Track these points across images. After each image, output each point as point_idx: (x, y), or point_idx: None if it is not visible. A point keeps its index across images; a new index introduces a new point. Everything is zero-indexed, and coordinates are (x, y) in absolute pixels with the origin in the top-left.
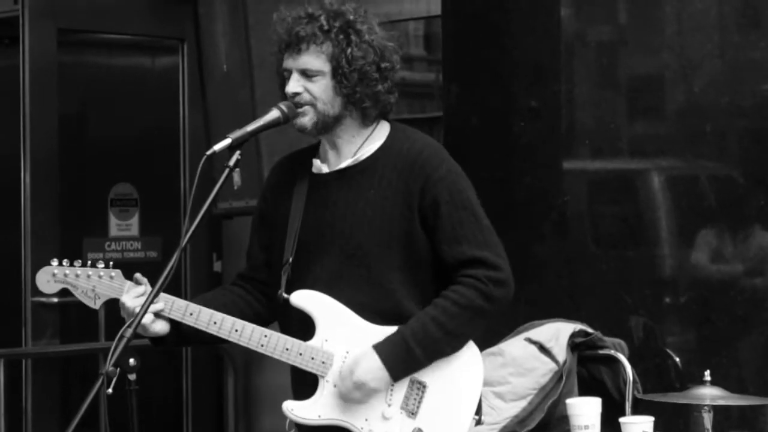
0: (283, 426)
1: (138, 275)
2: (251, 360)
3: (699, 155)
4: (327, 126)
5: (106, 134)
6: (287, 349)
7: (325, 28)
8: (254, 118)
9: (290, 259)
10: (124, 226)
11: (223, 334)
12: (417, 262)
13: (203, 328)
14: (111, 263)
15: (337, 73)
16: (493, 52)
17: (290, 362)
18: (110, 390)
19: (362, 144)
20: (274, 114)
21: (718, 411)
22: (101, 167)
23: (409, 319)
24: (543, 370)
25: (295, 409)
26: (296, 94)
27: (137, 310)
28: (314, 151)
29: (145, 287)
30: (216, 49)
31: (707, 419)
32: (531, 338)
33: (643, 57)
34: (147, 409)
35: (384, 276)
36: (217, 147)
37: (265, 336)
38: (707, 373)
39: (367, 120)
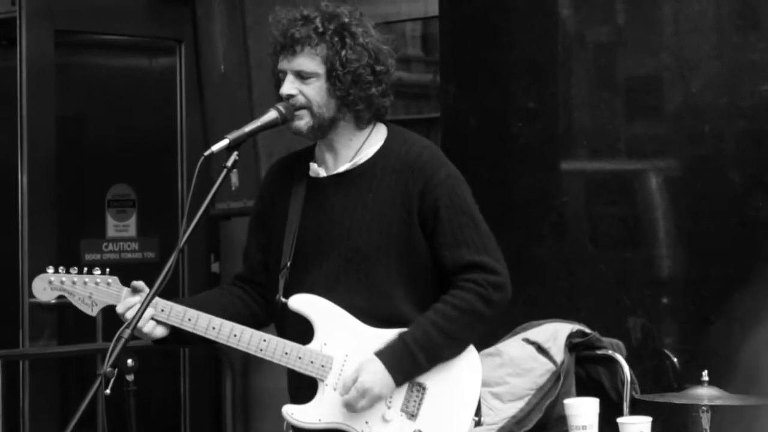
0: (280, 428)
1: (135, 283)
2: (249, 362)
3: (697, 156)
4: (322, 129)
5: (103, 135)
6: (286, 353)
7: (320, 30)
8: (252, 118)
9: (288, 264)
10: (121, 227)
11: (222, 339)
12: (416, 266)
13: (201, 334)
14: (107, 269)
15: (331, 76)
16: (490, 53)
17: (289, 366)
18: (108, 391)
19: (360, 147)
20: (271, 115)
21: (715, 411)
22: (99, 168)
23: (407, 322)
24: (541, 370)
25: (295, 413)
26: (290, 96)
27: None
28: (311, 153)
29: (140, 297)
30: (214, 50)
31: (705, 419)
32: (529, 339)
33: (642, 58)
34: (145, 410)
35: (382, 280)
36: (215, 148)
37: (264, 340)
38: (705, 373)
39: (361, 123)
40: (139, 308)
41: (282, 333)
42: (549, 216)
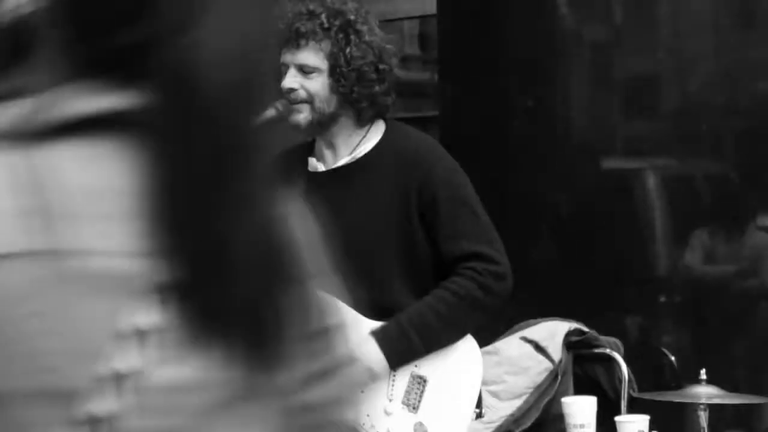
0: None
1: None
2: None
3: (694, 155)
4: (322, 124)
5: None
6: None
7: (326, 25)
8: None
9: None
10: None
11: None
12: (415, 259)
13: None
14: None
15: (334, 72)
16: (488, 51)
17: None
18: None
19: (359, 142)
20: (269, 113)
21: (713, 410)
22: None
23: None
24: (538, 368)
25: None
26: (291, 89)
27: None
28: (309, 148)
29: None
30: None
31: (703, 418)
32: (526, 337)
33: (639, 57)
34: None
35: (381, 272)
36: None
37: None
38: (703, 371)
39: (362, 120)
40: None
41: None
42: (546, 214)
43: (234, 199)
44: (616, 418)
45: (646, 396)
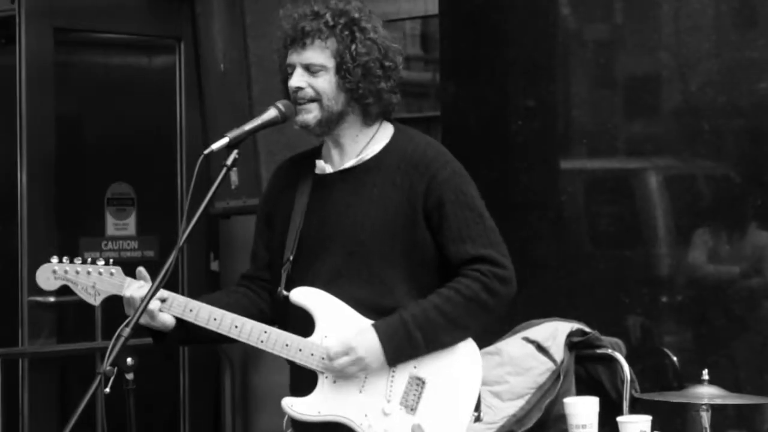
0: (280, 424)
1: (140, 269)
2: (249, 359)
3: (696, 154)
4: (330, 123)
5: (102, 133)
6: (287, 345)
7: (330, 24)
8: (251, 117)
9: (290, 257)
10: (121, 226)
11: (223, 330)
12: (419, 262)
13: (203, 325)
14: (111, 261)
15: (341, 69)
16: (490, 52)
17: (289, 358)
18: (108, 389)
19: (366, 144)
20: (271, 113)
21: (715, 410)
22: (98, 166)
23: None
24: (540, 369)
25: (294, 405)
26: (299, 88)
27: (140, 300)
28: (317, 153)
29: (145, 281)
30: (213, 48)
31: (705, 418)
32: (528, 337)
33: (640, 56)
34: (144, 408)
35: (385, 273)
36: (215, 146)
37: (265, 332)
38: (705, 372)
39: (369, 119)
40: (139, 306)
41: (284, 326)
42: (548, 214)
43: None
44: (618, 419)
45: (648, 396)
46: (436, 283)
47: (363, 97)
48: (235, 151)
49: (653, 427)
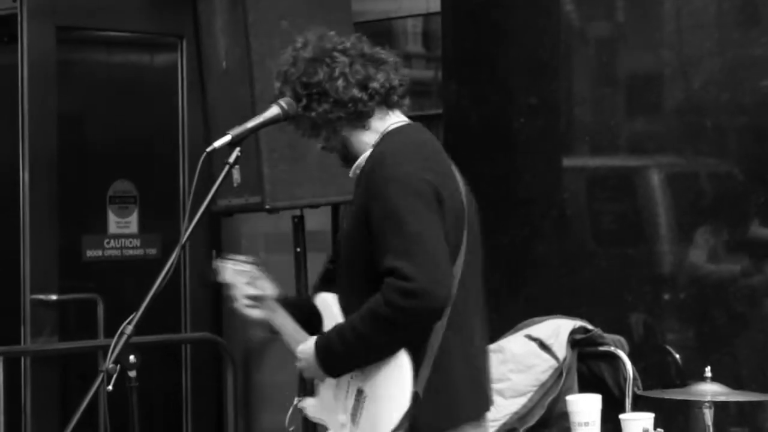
0: (282, 422)
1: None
2: (250, 357)
3: (698, 152)
4: (340, 152)
5: (105, 132)
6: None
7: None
8: (254, 115)
9: (327, 261)
10: (123, 224)
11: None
12: (376, 273)
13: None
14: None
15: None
16: (492, 49)
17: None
18: (110, 387)
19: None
20: (273, 111)
21: (718, 407)
22: (100, 164)
23: None
24: (543, 366)
25: (305, 402)
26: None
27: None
28: None
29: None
30: (215, 46)
31: (708, 415)
32: (531, 335)
33: (643, 54)
34: (147, 406)
35: (355, 286)
36: (217, 144)
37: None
38: (708, 369)
39: (359, 126)
40: (143, 304)
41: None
42: (550, 212)
43: None
44: (621, 416)
45: (651, 394)
46: None
47: (320, 132)
48: (238, 149)
49: (656, 425)
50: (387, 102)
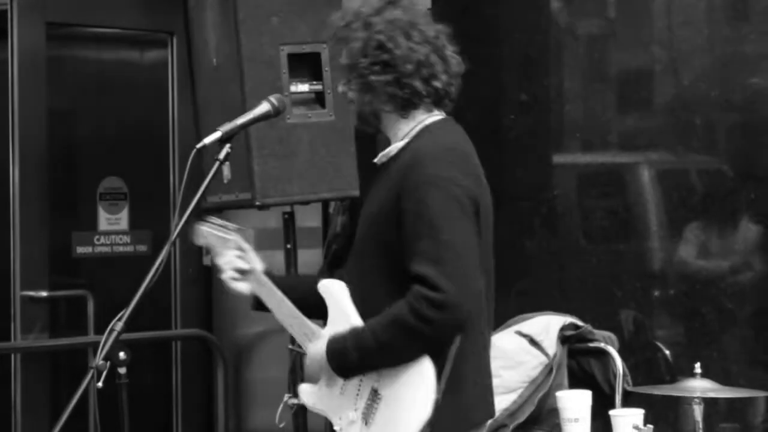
0: (273, 419)
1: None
2: (241, 353)
3: (689, 149)
4: (367, 120)
5: (94, 128)
6: (305, 334)
7: (342, 25)
8: (244, 111)
9: (334, 246)
10: (113, 220)
11: (279, 315)
12: (397, 269)
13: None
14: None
15: (344, 67)
16: (483, 46)
17: (305, 349)
18: (100, 384)
19: (403, 138)
20: (264, 107)
21: (708, 403)
22: (90, 161)
23: None
24: (533, 363)
25: (303, 390)
26: (343, 93)
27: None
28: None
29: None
30: (206, 42)
31: (697, 411)
32: (521, 331)
33: (633, 50)
34: (137, 402)
35: (371, 278)
36: (207, 140)
37: (295, 317)
38: (698, 365)
39: (400, 110)
40: (132, 301)
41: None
42: (541, 209)
43: None
44: (611, 412)
45: (641, 390)
46: None
47: (364, 93)
48: (228, 146)
49: (646, 421)
50: (437, 102)
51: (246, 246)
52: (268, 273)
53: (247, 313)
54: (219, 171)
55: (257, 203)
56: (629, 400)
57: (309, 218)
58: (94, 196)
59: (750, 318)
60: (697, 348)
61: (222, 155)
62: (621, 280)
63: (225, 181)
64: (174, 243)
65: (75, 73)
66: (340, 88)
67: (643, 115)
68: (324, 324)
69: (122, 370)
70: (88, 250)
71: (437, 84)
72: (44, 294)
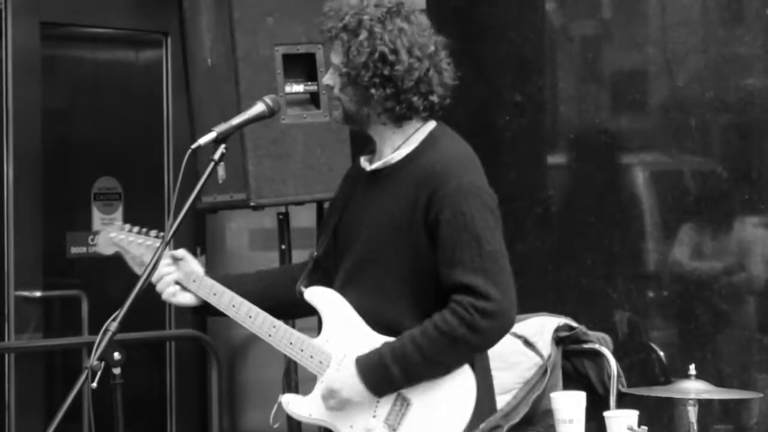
0: (267, 420)
1: (175, 252)
2: (235, 354)
3: (683, 150)
4: (352, 120)
5: (89, 128)
6: (291, 344)
7: (341, 25)
8: (239, 112)
9: (315, 254)
10: (107, 220)
11: (239, 319)
12: (422, 277)
13: (223, 310)
14: (161, 233)
15: (342, 72)
16: (477, 47)
17: (292, 356)
18: (94, 384)
19: (400, 146)
20: (258, 108)
21: (702, 405)
22: (85, 161)
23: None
24: (527, 364)
25: (290, 404)
26: (327, 86)
27: (162, 276)
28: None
29: (176, 267)
30: (200, 43)
31: (692, 413)
32: (515, 332)
33: (628, 51)
34: (131, 403)
35: (388, 286)
36: (202, 141)
37: (274, 327)
38: (692, 366)
39: (394, 120)
40: (127, 301)
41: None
42: (535, 209)
43: None
44: (605, 413)
45: (635, 391)
46: (436, 300)
47: (364, 101)
48: (223, 146)
49: (640, 422)
50: (431, 113)
51: (180, 253)
52: (212, 276)
53: None
54: (214, 171)
55: (252, 204)
56: (623, 402)
57: (304, 219)
58: (89, 196)
59: (744, 319)
60: (691, 349)
61: (217, 156)
62: (615, 281)
63: (220, 182)
64: (168, 243)
65: (69, 73)
66: (327, 81)
67: (638, 116)
68: (318, 332)
69: (117, 371)
70: (83, 250)
71: (434, 99)
72: (38, 294)
